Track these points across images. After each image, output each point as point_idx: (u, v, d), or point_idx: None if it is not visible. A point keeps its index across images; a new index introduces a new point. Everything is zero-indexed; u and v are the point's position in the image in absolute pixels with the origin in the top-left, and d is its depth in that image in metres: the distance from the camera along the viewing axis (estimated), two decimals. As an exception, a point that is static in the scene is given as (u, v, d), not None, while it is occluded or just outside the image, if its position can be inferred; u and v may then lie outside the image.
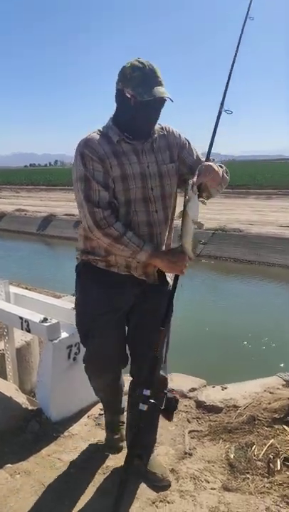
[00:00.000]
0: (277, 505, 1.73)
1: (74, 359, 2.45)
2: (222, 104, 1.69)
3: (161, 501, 1.76)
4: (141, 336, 1.83)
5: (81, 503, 1.79)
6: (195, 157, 1.79)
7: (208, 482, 1.89)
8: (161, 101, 1.61)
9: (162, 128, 1.75)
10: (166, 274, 1.83)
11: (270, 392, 2.55)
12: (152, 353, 1.68)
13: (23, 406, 2.40)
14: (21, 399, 2.46)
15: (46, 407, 2.38)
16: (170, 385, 2.78)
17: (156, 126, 1.73)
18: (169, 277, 1.85)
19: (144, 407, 1.58)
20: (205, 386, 2.79)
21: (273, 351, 5.03)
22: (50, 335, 2.35)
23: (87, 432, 2.32)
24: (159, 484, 1.87)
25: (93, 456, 2.10)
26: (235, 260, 10.41)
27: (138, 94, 1.56)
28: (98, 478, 1.94)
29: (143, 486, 1.87)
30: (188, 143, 1.81)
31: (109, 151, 1.63)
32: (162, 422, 2.39)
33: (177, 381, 2.84)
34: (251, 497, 1.78)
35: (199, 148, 1.83)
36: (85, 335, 1.87)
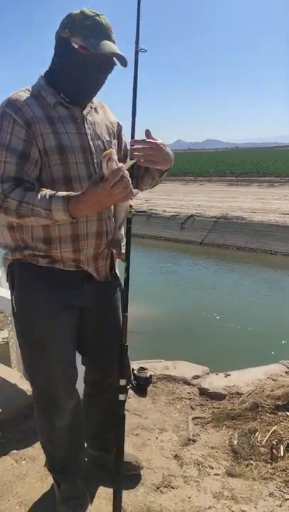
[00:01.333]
0: (280, 490, 1.74)
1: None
2: (136, 43, 1.42)
3: (165, 486, 1.78)
4: (101, 339, 1.62)
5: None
6: (123, 146, 1.61)
7: (212, 468, 1.91)
8: (111, 61, 1.35)
9: (100, 102, 1.55)
10: (117, 269, 1.65)
11: (273, 380, 2.56)
12: (118, 342, 1.51)
13: (28, 393, 2.42)
14: (26, 386, 2.48)
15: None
16: (173, 372, 2.81)
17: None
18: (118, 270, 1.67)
19: (123, 396, 1.53)
20: (208, 373, 2.80)
21: (276, 338, 5.04)
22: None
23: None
24: (136, 472, 1.83)
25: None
26: (238, 248, 10.39)
27: (90, 46, 1.28)
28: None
29: (147, 471, 1.89)
30: (120, 126, 1.61)
31: (41, 114, 1.33)
32: (166, 408, 2.43)
33: (180, 368, 2.86)
34: (255, 483, 1.80)
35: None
36: (37, 351, 1.48)
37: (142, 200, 14.95)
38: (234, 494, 1.73)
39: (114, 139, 1.53)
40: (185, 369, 2.86)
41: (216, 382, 2.64)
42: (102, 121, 1.50)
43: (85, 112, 1.43)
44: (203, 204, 13.44)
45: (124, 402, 1.54)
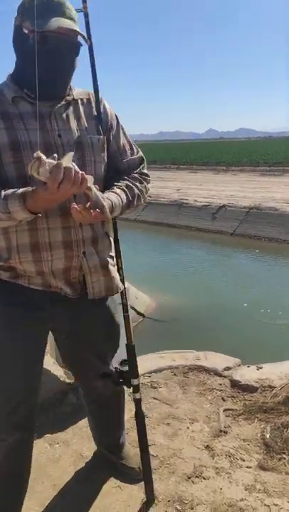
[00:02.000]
0: (314, 486, 1.71)
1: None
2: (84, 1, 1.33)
3: (196, 477, 1.78)
4: (77, 362, 1.60)
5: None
6: (121, 144, 1.41)
7: (244, 460, 1.89)
8: (69, 39, 1.20)
9: (90, 94, 1.38)
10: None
11: (308, 374, 2.51)
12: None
13: (61, 379, 2.46)
14: (59, 372, 2.53)
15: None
16: (204, 363, 2.79)
17: (80, 90, 1.36)
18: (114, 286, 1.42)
19: (138, 395, 1.59)
20: (240, 365, 2.77)
21: (309, 332, 4.92)
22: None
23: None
24: (137, 478, 1.74)
25: (128, 430, 2.14)
26: (270, 239, 10.17)
27: (37, 26, 1.15)
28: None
29: (178, 460, 1.89)
30: (117, 122, 1.42)
31: None
32: (197, 399, 2.42)
33: (211, 359, 2.84)
34: (288, 477, 1.77)
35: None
36: None
37: (172, 189, 14.85)
38: (266, 488, 1.71)
39: (102, 135, 1.35)
40: (216, 360, 2.84)
41: (247, 374, 2.61)
42: (86, 114, 1.33)
43: (57, 107, 1.26)
44: (235, 194, 13.20)
45: (140, 400, 1.58)
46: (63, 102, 1.28)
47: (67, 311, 1.38)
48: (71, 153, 1.06)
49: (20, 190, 1.13)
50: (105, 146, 1.35)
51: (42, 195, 1.06)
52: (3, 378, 1.36)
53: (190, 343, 3.41)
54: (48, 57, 1.18)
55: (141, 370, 2.68)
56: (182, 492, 1.70)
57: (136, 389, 1.54)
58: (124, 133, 1.44)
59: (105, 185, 1.35)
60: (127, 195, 1.34)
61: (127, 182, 1.37)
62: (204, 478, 1.78)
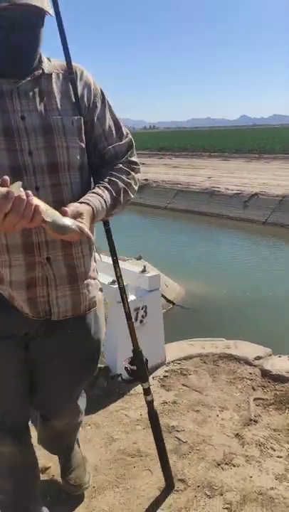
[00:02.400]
0: None
1: (141, 321, 2.50)
2: None
3: (226, 464, 1.78)
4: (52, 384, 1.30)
5: (148, 459, 1.85)
6: (107, 127, 1.20)
7: (274, 450, 1.88)
8: (28, 13, 1.03)
9: (67, 67, 1.15)
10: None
11: None
12: (135, 349, 1.47)
13: (92, 363, 2.51)
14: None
15: (113, 366, 2.47)
16: (234, 352, 2.78)
17: (57, 62, 1.16)
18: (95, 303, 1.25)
19: (150, 397, 1.59)
20: (271, 355, 2.74)
21: None
22: (119, 297, 2.40)
23: (153, 392, 2.38)
24: (76, 493, 1.64)
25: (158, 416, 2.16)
26: (304, 229, 9.93)
27: None
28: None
29: (208, 447, 1.90)
30: (103, 99, 1.21)
31: None
32: (227, 387, 2.41)
33: (242, 348, 2.82)
34: None
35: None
36: None
37: (204, 177, 14.68)
38: (298, 478, 1.70)
39: (80, 115, 1.13)
40: (246, 349, 2.82)
41: (278, 364, 2.58)
42: (59, 91, 1.12)
43: (20, 84, 1.07)
44: (267, 182, 12.91)
45: (151, 401, 1.60)
46: (29, 78, 1.07)
47: (38, 333, 1.19)
48: (19, 183, 0.88)
49: None
50: (83, 128, 1.13)
51: None
52: None
53: (219, 332, 3.39)
54: (8, 33, 1.02)
55: (170, 357, 2.71)
56: (212, 478, 1.71)
57: (147, 391, 1.57)
58: (111, 112, 1.22)
59: (93, 173, 1.19)
60: (110, 192, 1.13)
61: (109, 177, 1.16)
62: (234, 466, 1.78)
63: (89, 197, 1.08)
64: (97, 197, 1.09)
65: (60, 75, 1.13)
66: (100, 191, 1.12)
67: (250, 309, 5.15)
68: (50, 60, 1.15)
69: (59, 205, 1.01)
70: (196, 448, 1.90)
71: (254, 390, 2.39)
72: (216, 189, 12.65)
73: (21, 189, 0.88)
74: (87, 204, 1.05)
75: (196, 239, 9.67)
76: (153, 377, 2.53)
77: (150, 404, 1.59)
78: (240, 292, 5.82)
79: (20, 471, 1.34)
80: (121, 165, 1.19)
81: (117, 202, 1.16)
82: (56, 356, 1.22)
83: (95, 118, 1.17)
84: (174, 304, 5.29)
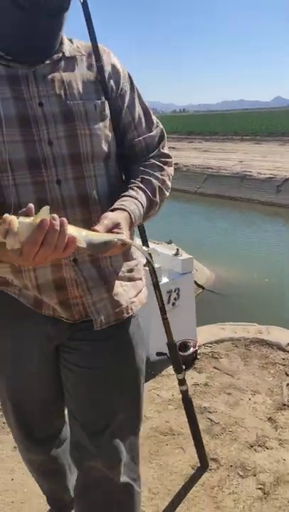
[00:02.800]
0: None
1: (173, 304, 2.51)
2: None
3: (259, 446, 1.79)
4: (84, 401, 1.08)
5: (180, 438, 1.88)
6: (136, 116, 1.08)
7: (308, 435, 1.87)
8: None
9: (92, 49, 1.03)
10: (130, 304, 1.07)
11: None
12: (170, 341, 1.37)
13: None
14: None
15: (146, 347, 2.50)
16: (267, 337, 2.76)
17: (79, 43, 1.04)
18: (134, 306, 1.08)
19: (184, 387, 1.60)
20: (304, 341, 2.71)
21: None
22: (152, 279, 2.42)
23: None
24: None
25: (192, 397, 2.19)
26: None
27: None
28: (195, 417, 2.03)
29: (240, 429, 1.91)
30: (132, 85, 1.09)
31: None
32: (259, 372, 2.41)
33: (274, 334, 2.80)
34: None
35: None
36: None
37: (235, 161, 14.40)
38: None
39: (105, 99, 1.01)
40: (279, 334, 2.79)
41: (312, 350, 2.55)
42: (82, 75, 1.00)
43: (39, 67, 0.95)
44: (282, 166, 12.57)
45: (186, 390, 1.61)
46: (48, 62, 0.96)
47: (76, 342, 1.04)
48: (47, 208, 0.76)
49: None
50: (108, 114, 1.01)
51: (10, 257, 0.79)
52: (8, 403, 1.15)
53: (250, 317, 3.36)
54: (26, 16, 0.90)
55: (201, 340, 2.72)
56: (244, 459, 1.72)
57: (182, 382, 1.60)
58: (140, 99, 1.10)
59: (123, 169, 1.07)
60: (145, 192, 1.02)
61: (142, 175, 1.04)
62: (267, 448, 1.78)
63: (123, 201, 0.96)
64: (132, 200, 0.98)
65: (84, 57, 1.02)
66: (133, 193, 1.00)
67: (282, 295, 5.07)
68: (72, 41, 1.03)
69: (84, 200, 0.95)
70: (229, 429, 1.91)
71: (287, 375, 2.38)
72: (248, 173, 12.40)
73: (48, 214, 0.76)
74: (123, 210, 0.93)
75: (226, 224, 9.56)
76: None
77: (185, 393, 1.62)
78: (272, 277, 5.73)
79: (51, 474, 1.35)
80: (153, 160, 1.08)
81: (153, 203, 1.04)
82: (93, 369, 1.04)
83: (123, 105, 1.06)
84: (203, 288, 5.28)
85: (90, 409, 1.07)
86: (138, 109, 1.08)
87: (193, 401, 2.12)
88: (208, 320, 3.15)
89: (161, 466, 1.72)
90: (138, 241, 1.44)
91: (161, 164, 1.08)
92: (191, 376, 2.37)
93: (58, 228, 0.75)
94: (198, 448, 1.66)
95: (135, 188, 1.01)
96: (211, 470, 1.68)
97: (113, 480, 1.09)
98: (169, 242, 3.63)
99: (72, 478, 1.32)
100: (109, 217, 0.88)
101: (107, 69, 1.03)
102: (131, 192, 1.00)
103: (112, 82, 1.03)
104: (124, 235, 0.87)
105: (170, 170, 1.12)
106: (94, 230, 0.83)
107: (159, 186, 1.06)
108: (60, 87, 0.96)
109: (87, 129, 0.96)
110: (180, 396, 1.64)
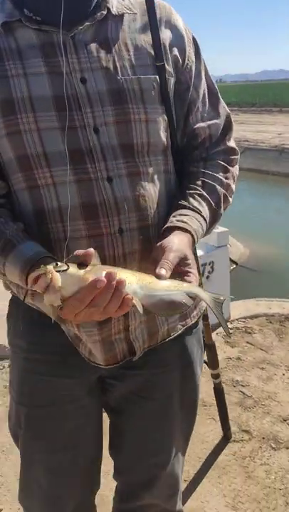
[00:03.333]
0: None
1: (207, 277, 2.49)
2: None
3: (293, 421, 1.79)
4: (137, 451, 0.93)
5: (211, 409, 1.90)
6: (201, 93, 0.84)
7: None
8: None
9: (146, 4, 0.79)
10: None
11: None
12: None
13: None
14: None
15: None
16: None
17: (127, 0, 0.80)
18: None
19: (218, 380, 1.67)
20: None
21: None
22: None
23: (217, 347, 2.40)
24: None
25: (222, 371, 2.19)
26: None
27: None
28: (226, 389, 2.03)
29: (273, 403, 1.91)
30: (198, 52, 0.84)
31: None
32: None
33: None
34: None
35: None
36: (14, 437, 0.93)
37: (273, 134, 13.90)
38: None
39: (166, 74, 0.78)
40: None
41: None
42: (134, 40, 0.77)
43: (78, 31, 0.73)
44: None
45: (219, 383, 1.69)
46: (88, 23, 0.74)
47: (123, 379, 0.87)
48: (96, 256, 0.62)
49: (34, 257, 0.68)
50: (171, 93, 0.79)
51: (47, 310, 0.64)
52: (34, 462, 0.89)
53: (285, 294, 3.30)
54: None
55: (235, 315, 2.70)
56: (277, 432, 1.73)
57: (216, 376, 1.68)
58: (206, 73, 0.86)
59: (180, 160, 0.84)
60: (209, 203, 0.81)
61: (203, 178, 0.83)
62: (300, 424, 1.78)
63: (184, 216, 0.76)
64: (194, 215, 0.78)
65: (137, 17, 0.79)
66: (195, 204, 0.79)
67: None
68: None
69: (139, 204, 0.75)
70: (261, 403, 1.91)
71: None
72: (287, 146, 11.95)
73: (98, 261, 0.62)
74: (185, 231, 0.74)
75: (261, 198, 9.32)
76: (217, 334, 2.54)
77: (218, 385, 1.69)
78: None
79: None
80: (216, 158, 0.86)
81: (216, 216, 0.84)
82: (154, 400, 0.88)
83: (189, 79, 0.82)
84: (237, 264, 5.21)
85: (152, 446, 0.90)
86: (204, 87, 0.85)
87: (226, 374, 2.14)
88: (242, 296, 3.11)
89: (192, 435, 1.74)
90: None
91: (225, 164, 0.86)
92: (223, 350, 2.37)
93: (113, 290, 0.60)
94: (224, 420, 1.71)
95: (196, 197, 0.80)
96: (243, 441, 1.70)
97: (168, 510, 1.00)
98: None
99: None
100: (174, 250, 0.69)
101: (168, 33, 0.80)
102: (192, 201, 0.79)
103: (175, 50, 0.80)
104: (194, 282, 0.68)
105: (235, 170, 0.89)
106: (158, 276, 0.65)
107: (224, 194, 0.84)
108: (108, 57, 0.74)
109: (143, 113, 0.75)
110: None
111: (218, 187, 0.83)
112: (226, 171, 0.85)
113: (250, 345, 2.42)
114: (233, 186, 0.88)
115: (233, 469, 1.59)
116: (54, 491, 0.88)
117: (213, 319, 1.62)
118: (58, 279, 0.58)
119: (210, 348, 1.62)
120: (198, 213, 0.79)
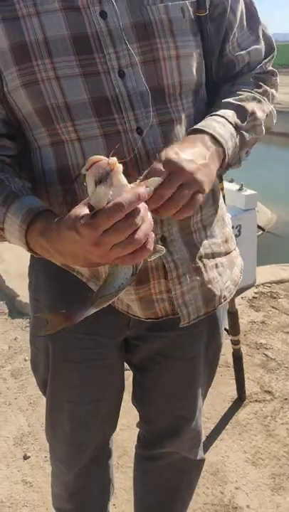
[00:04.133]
0: None
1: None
2: None
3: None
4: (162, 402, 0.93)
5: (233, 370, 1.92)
6: (238, 17, 0.73)
7: None
8: None
9: None
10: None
11: None
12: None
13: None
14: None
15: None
16: None
17: None
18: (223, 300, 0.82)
19: (238, 346, 1.69)
20: None
21: None
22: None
23: (241, 311, 2.40)
24: None
25: (245, 334, 2.19)
26: None
27: None
28: (249, 352, 2.04)
29: (296, 366, 1.91)
30: None
31: None
32: None
33: None
34: None
35: None
36: (42, 386, 0.92)
37: (306, 96, 13.25)
38: None
39: (190, 7, 0.67)
40: None
41: None
42: None
43: None
44: None
45: (238, 349, 1.71)
46: None
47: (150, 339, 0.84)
48: (157, 179, 0.54)
49: (35, 204, 0.63)
50: (206, 22, 0.69)
51: (68, 237, 0.53)
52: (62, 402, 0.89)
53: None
54: None
55: (260, 279, 2.67)
56: (301, 395, 1.73)
57: (236, 342, 1.70)
58: None
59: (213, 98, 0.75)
60: (234, 107, 0.70)
61: (232, 88, 0.74)
62: None
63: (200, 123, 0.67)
64: (212, 117, 0.68)
65: None
66: (231, 114, 0.69)
67: None
68: None
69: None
70: (285, 366, 1.91)
71: None
72: None
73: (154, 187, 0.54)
74: (203, 132, 0.65)
75: (280, 166, 9.01)
76: (242, 298, 2.53)
77: (237, 351, 1.71)
78: None
79: (96, 500, 1.06)
80: (248, 76, 0.75)
81: (259, 131, 0.73)
82: (183, 360, 0.87)
83: (226, 3, 0.70)
84: (264, 230, 5.11)
85: (177, 402, 0.91)
86: (241, 8, 0.73)
87: (249, 337, 2.14)
88: (268, 262, 3.07)
89: (215, 394, 1.77)
90: None
91: (257, 81, 0.74)
92: (247, 314, 2.36)
93: (141, 207, 0.50)
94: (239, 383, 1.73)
95: (219, 105, 0.70)
96: (264, 401, 1.71)
97: (190, 459, 1.01)
98: (231, 181, 3.48)
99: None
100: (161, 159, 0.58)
101: None
102: (228, 112, 0.69)
103: None
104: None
105: (273, 91, 0.77)
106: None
107: (256, 106, 0.72)
108: None
109: (174, 49, 0.65)
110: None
111: (248, 93, 0.72)
112: (258, 86, 0.74)
113: (275, 310, 2.41)
114: (268, 107, 0.75)
115: (254, 427, 1.61)
116: (77, 437, 0.91)
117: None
118: (119, 167, 0.49)
119: (233, 315, 1.62)
120: (216, 115, 0.68)
